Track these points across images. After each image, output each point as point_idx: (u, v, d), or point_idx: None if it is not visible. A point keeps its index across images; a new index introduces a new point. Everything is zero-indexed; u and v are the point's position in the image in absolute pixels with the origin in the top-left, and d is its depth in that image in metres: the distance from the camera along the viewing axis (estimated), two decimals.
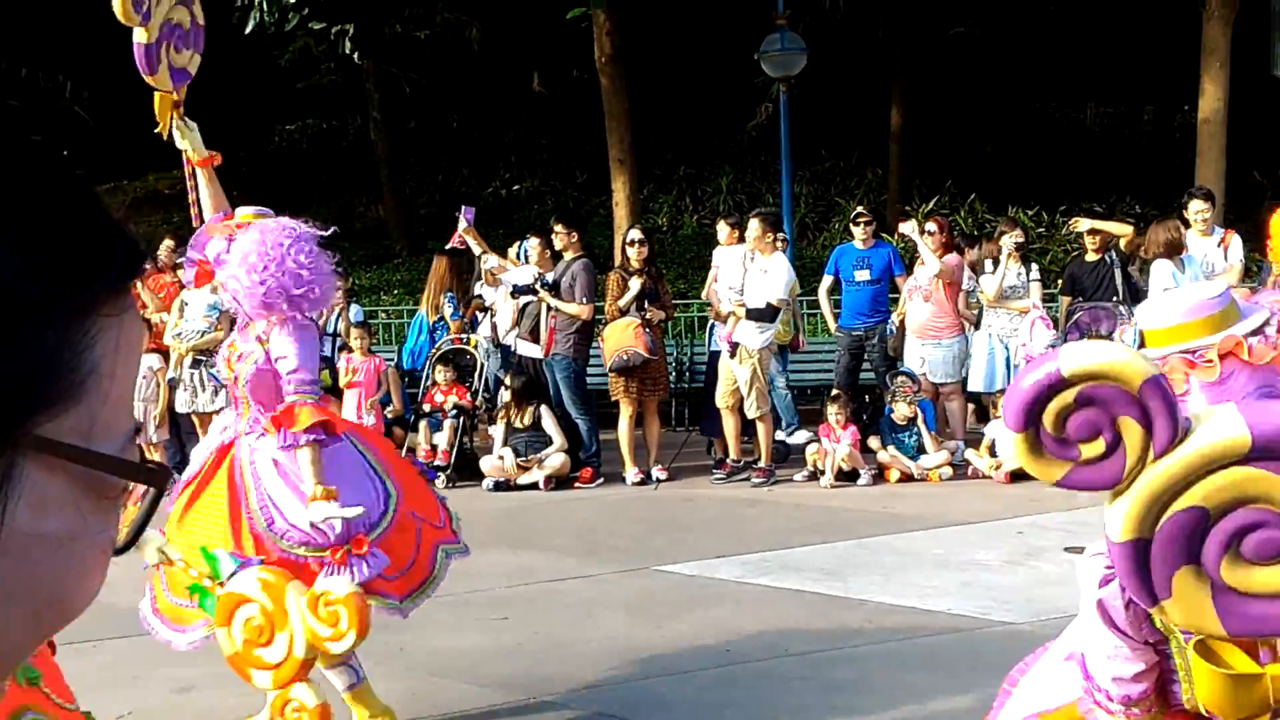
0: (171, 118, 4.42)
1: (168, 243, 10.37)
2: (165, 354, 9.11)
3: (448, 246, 10.46)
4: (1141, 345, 1.92)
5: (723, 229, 9.35)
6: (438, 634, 5.42)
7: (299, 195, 20.57)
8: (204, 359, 8.82)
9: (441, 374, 9.57)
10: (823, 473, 8.60)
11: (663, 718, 4.53)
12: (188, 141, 4.41)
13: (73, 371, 0.61)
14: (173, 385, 9.08)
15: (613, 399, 9.15)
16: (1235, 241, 9.03)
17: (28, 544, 0.61)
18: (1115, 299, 9.03)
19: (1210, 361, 1.77)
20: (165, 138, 4.45)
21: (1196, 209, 9.09)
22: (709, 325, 9.92)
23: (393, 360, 11.15)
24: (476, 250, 9.56)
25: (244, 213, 4.20)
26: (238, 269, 3.90)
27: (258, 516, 3.96)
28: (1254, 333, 1.78)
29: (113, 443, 0.63)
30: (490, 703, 4.68)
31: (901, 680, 4.75)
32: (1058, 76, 18.29)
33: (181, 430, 9.27)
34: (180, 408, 9.05)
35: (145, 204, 22.22)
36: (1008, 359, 9.08)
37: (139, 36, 4.25)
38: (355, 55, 11.69)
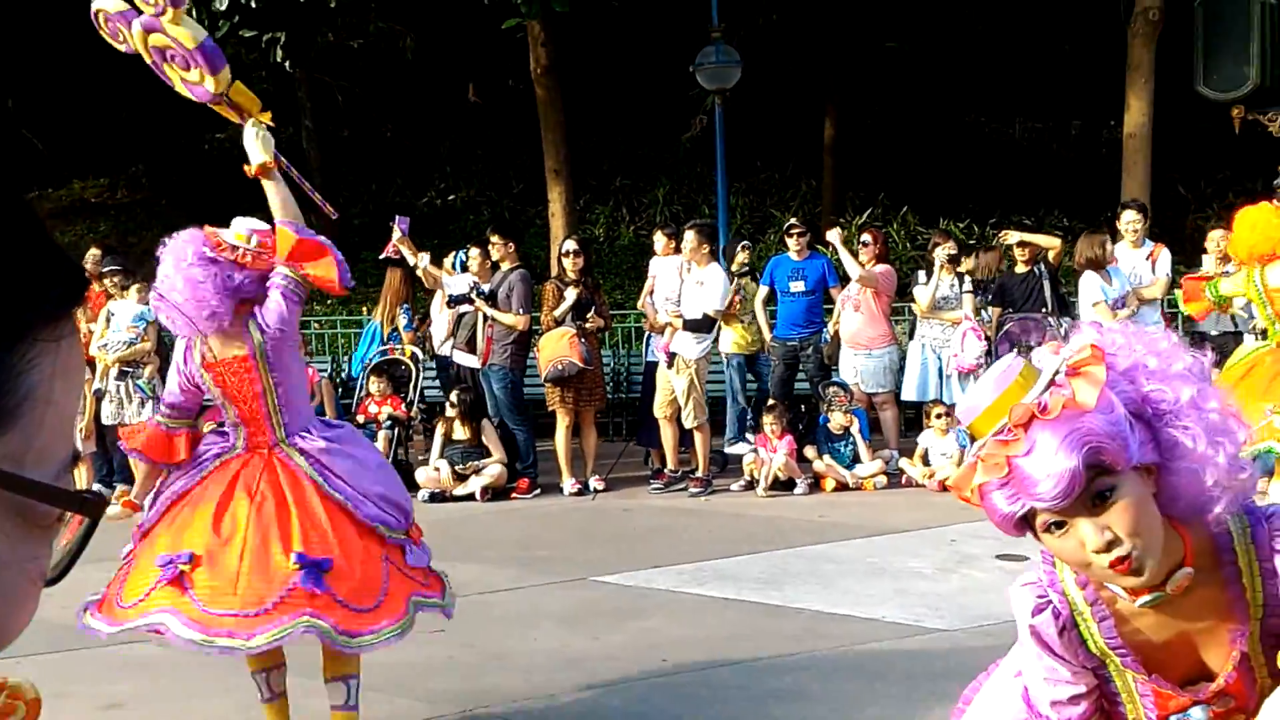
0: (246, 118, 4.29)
1: (94, 252, 10.17)
2: (92, 365, 8.92)
3: (382, 256, 10.36)
4: (971, 439, 1.95)
5: (659, 240, 9.38)
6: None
7: (230, 204, 20.28)
8: (130, 370, 8.65)
9: (375, 385, 9.47)
10: (759, 482, 8.64)
11: None
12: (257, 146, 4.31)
13: (6, 396, 0.59)
14: (99, 396, 8.90)
15: (549, 409, 9.12)
16: (1164, 255, 9.22)
17: None
18: (1044, 310, 9.18)
19: (1016, 438, 1.80)
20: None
21: (1129, 219, 9.27)
22: (645, 336, 9.93)
23: (326, 371, 11.04)
24: (411, 260, 9.50)
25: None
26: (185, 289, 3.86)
27: (349, 507, 3.90)
28: (1049, 385, 1.82)
29: (47, 470, 0.62)
30: (424, 716, 4.63)
31: (839, 688, 4.78)
32: (987, 91, 18.59)
33: (107, 441, 9.09)
34: (106, 419, 8.87)
35: (70, 212, 21.76)
36: (940, 369, 9.20)
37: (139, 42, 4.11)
38: (287, 64, 11.55)
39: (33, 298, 0.60)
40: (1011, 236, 9.79)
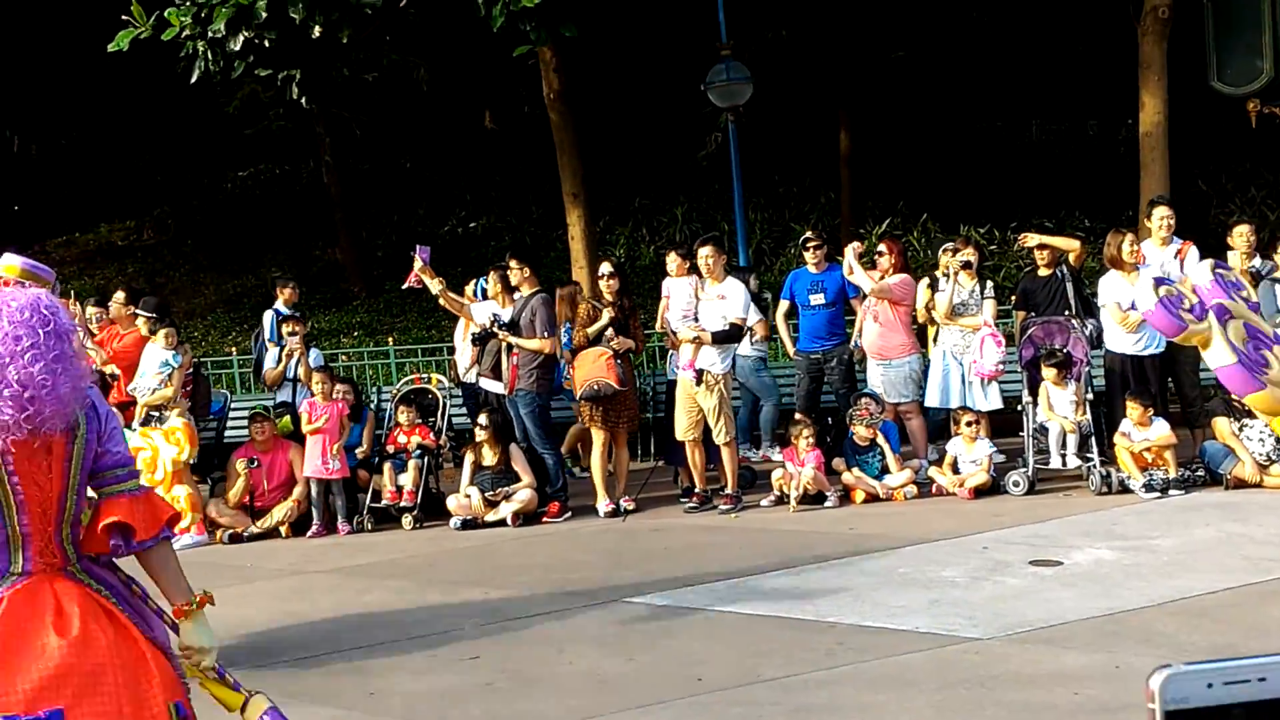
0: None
1: (119, 295, 10.29)
2: (121, 406, 9.00)
3: (404, 286, 10.45)
4: None
5: (673, 261, 9.39)
6: (408, 676, 5.40)
7: (254, 241, 20.50)
8: (155, 414, 8.73)
9: (404, 415, 9.54)
10: (789, 497, 8.64)
11: None
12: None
13: None
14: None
15: (584, 426, 9.15)
16: (1193, 252, 9.14)
17: None
18: (1067, 313, 9.15)
19: None
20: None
21: (1161, 215, 9.19)
22: (668, 354, 9.97)
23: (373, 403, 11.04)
24: (434, 289, 9.58)
25: (9, 263, 3.50)
26: None
27: None
28: None
29: None
30: None
31: (874, 700, 4.77)
32: (1002, 95, 18.57)
33: None
34: None
35: (98, 255, 22.03)
36: (962, 375, 9.18)
37: None
38: (304, 101, 11.67)
39: None
40: (1032, 240, 9.76)
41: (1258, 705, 0.81)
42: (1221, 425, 8.42)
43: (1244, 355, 3.74)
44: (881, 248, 9.77)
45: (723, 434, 8.67)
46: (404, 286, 10.48)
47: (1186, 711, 0.82)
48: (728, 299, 8.75)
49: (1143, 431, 8.43)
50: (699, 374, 8.67)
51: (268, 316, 10.45)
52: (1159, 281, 3.32)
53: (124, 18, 10.43)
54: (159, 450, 8.82)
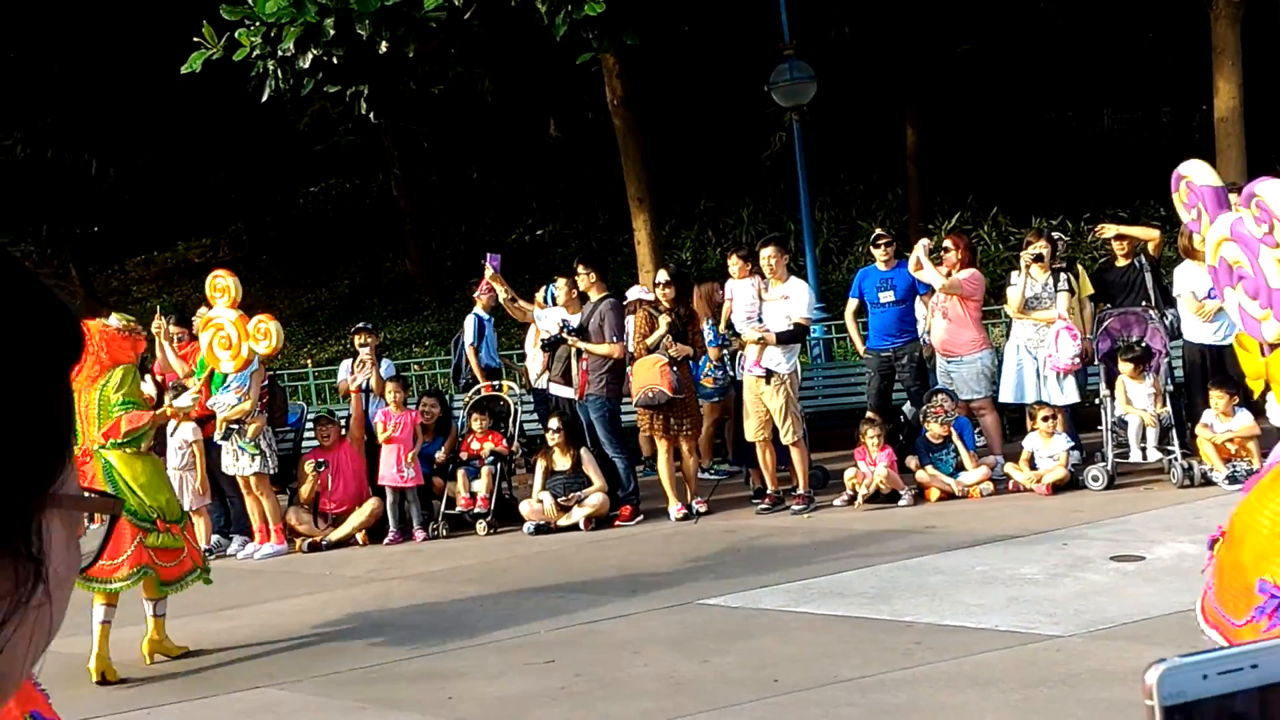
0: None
1: (203, 310, 10.49)
2: (200, 421, 9.16)
3: (476, 295, 10.56)
4: None
5: (734, 264, 9.38)
6: (484, 680, 5.44)
7: (326, 254, 20.82)
8: (235, 427, 8.89)
9: (477, 422, 9.64)
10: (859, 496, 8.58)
11: None
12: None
13: (70, 427, 0.70)
14: (207, 450, 9.19)
15: (645, 435, 9.16)
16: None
17: (57, 587, 0.70)
18: (1145, 303, 8.98)
19: None
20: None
21: (1235, 203, 8.99)
22: (736, 355, 9.94)
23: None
24: (503, 296, 9.66)
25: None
26: None
27: None
28: None
29: (72, 481, 0.71)
30: None
31: (953, 700, 4.72)
32: (1071, 84, 18.29)
33: (226, 495, 9.47)
34: (227, 470, 9.16)
35: (176, 273, 22.53)
36: (1037, 369, 9.03)
37: None
38: (371, 115, 11.84)
39: (69, 343, 0.70)
40: (1108, 231, 9.59)
41: (1253, 692, 0.81)
42: None
43: None
44: (948, 243, 9.66)
45: (790, 434, 8.63)
46: (476, 295, 10.59)
47: (1185, 705, 0.82)
48: (791, 299, 8.71)
49: (1225, 422, 8.25)
50: (766, 374, 8.65)
51: (469, 321, 10.72)
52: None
53: (196, 39, 10.67)
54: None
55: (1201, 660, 0.84)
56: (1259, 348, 3.21)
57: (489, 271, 9.57)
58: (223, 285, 8.17)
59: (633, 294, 9.55)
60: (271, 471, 9.17)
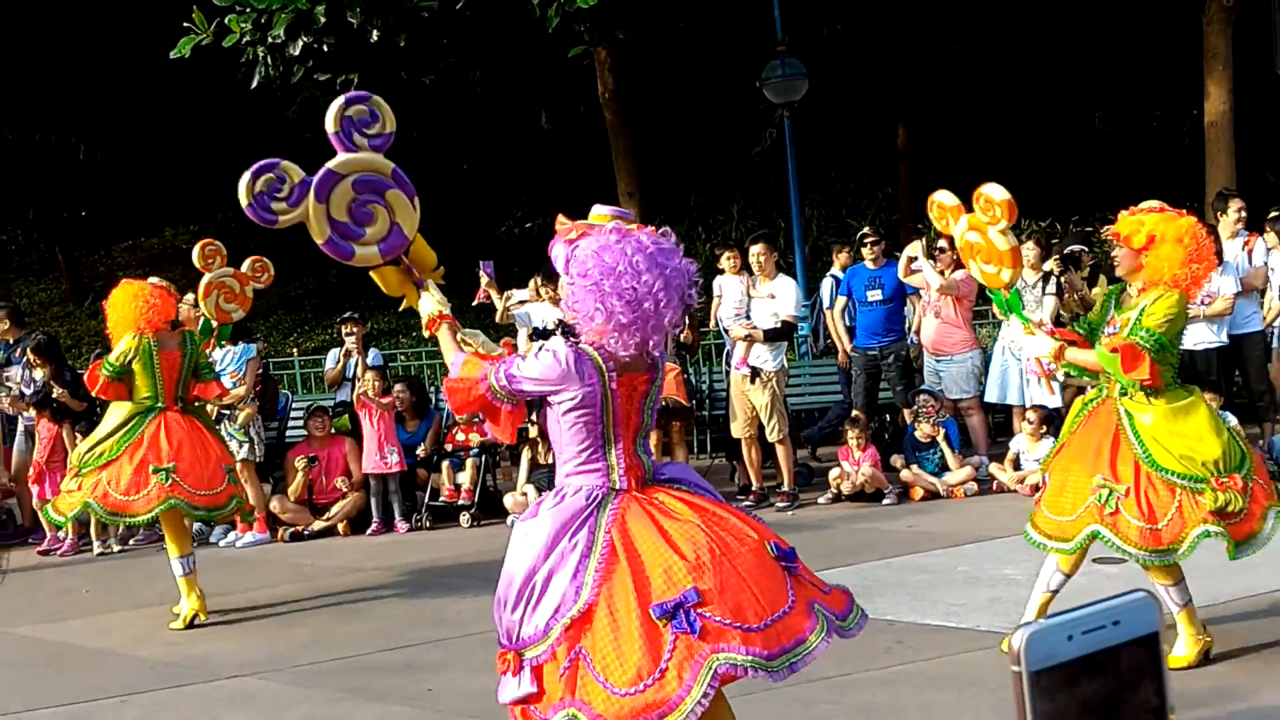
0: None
1: (189, 296, 10.44)
2: None
3: (474, 304, 10.47)
4: None
5: (726, 259, 9.35)
6: (466, 673, 5.43)
7: (314, 244, 20.74)
8: (226, 413, 8.84)
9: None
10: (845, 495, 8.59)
11: None
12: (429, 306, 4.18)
13: None
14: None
15: None
16: (1259, 244, 8.97)
17: None
18: None
19: None
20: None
21: (1237, 207, 8.99)
22: (725, 351, 9.94)
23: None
24: (498, 305, 9.57)
25: (599, 213, 3.73)
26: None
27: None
28: None
29: None
30: None
31: (934, 700, 4.72)
32: (1063, 86, 18.31)
33: None
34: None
35: (163, 259, 22.41)
36: (1020, 371, 9.03)
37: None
38: None
39: None
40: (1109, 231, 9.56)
41: (1117, 649, 0.82)
42: None
43: (335, 232, 3.85)
44: (942, 243, 9.65)
45: (776, 431, 8.64)
46: (475, 303, 10.50)
47: (1053, 668, 0.81)
48: (779, 297, 8.71)
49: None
50: (753, 371, 8.65)
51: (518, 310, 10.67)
52: None
53: (185, 25, 10.62)
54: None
55: (1066, 621, 0.83)
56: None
57: (484, 279, 9.48)
58: (212, 250, 8.18)
59: None
60: (258, 460, 9.12)
